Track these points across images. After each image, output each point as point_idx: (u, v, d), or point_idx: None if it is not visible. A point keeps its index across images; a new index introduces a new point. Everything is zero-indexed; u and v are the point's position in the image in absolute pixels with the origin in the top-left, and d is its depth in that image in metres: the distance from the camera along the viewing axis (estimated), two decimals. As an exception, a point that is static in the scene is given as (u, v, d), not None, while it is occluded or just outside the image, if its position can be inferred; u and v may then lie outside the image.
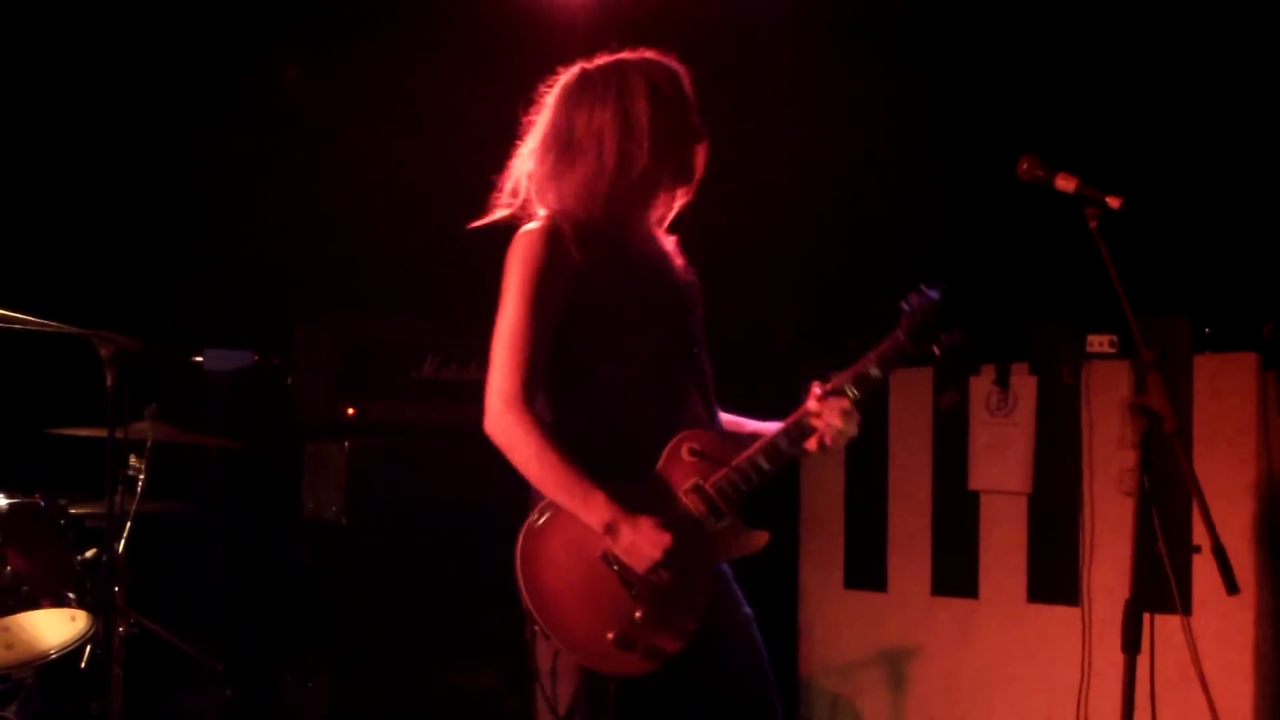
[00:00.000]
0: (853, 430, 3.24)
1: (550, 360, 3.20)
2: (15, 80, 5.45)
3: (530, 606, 3.07)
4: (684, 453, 3.22)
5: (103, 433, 4.25)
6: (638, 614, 3.10)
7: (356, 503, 5.54)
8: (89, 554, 4.58)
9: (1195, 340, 5.25)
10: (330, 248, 6.00)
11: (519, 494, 3.27)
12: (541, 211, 3.29)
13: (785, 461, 3.23)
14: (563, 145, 3.29)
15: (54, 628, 4.54)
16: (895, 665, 6.07)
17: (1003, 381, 5.77)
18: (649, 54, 3.36)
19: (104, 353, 4.20)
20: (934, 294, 3.26)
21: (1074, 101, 5.57)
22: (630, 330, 3.25)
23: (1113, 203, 3.16)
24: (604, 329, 3.23)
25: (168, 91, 5.70)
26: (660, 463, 3.21)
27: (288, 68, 6.06)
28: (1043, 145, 3.30)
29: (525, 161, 3.37)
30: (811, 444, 3.23)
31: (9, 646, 4.50)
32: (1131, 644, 3.19)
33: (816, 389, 3.23)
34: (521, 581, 3.08)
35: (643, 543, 3.06)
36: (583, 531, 3.10)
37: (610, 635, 3.08)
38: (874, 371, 3.22)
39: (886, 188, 5.91)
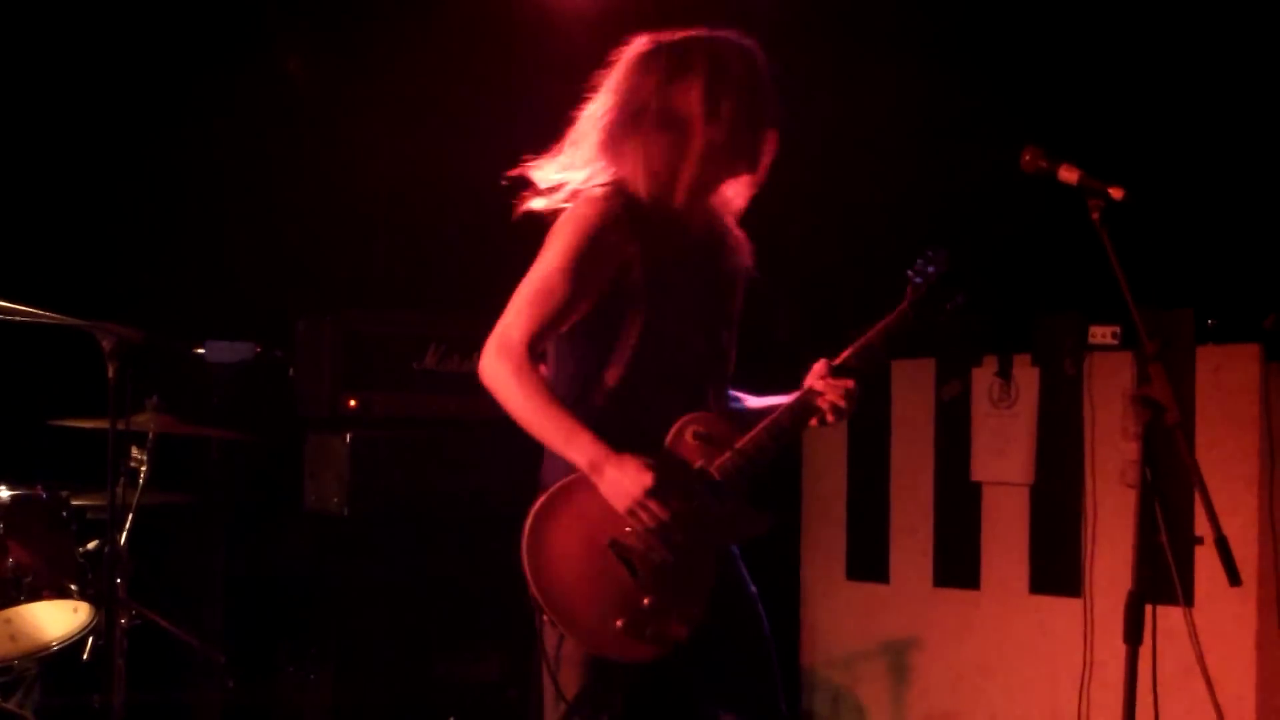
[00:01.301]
0: (853, 408, 3.24)
1: (586, 338, 3.20)
2: (16, 70, 5.44)
3: (537, 595, 3.07)
4: (688, 436, 3.22)
5: (104, 424, 4.25)
6: (645, 601, 3.10)
7: (358, 495, 5.53)
8: (91, 546, 4.58)
9: (1198, 332, 5.24)
10: (332, 239, 6.00)
11: (521, 485, 3.27)
12: (601, 181, 3.25)
13: (789, 440, 3.24)
14: (634, 117, 3.24)
15: (56, 620, 4.54)
16: (897, 656, 6.07)
17: (1005, 373, 5.76)
18: (729, 34, 3.32)
19: (106, 344, 4.20)
20: (939, 260, 3.31)
21: (1077, 92, 5.56)
22: (667, 320, 3.23)
23: (1115, 194, 3.16)
24: (642, 315, 3.20)
25: (170, 83, 5.69)
26: (664, 446, 3.20)
27: (290, 60, 6.05)
28: (1046, 136, 3.30)
29: (588, 130, 3.29)
30: (813, 421, 3.25)
31: (11, 638, 4.50)
32: (1133, 635, 3.19)
33: (820, 367, 3.24)
34: (528, 570, 3.07)
35: (626, 480, 3.05)
36: (590, 518, 3.10)
37: (619, 623, 3.08)
38: (878, 347, 3.26)
39: (888, 178, 5.90)
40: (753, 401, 3.44)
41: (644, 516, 3.06)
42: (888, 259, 3.37)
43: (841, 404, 3.21)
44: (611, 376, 3.21)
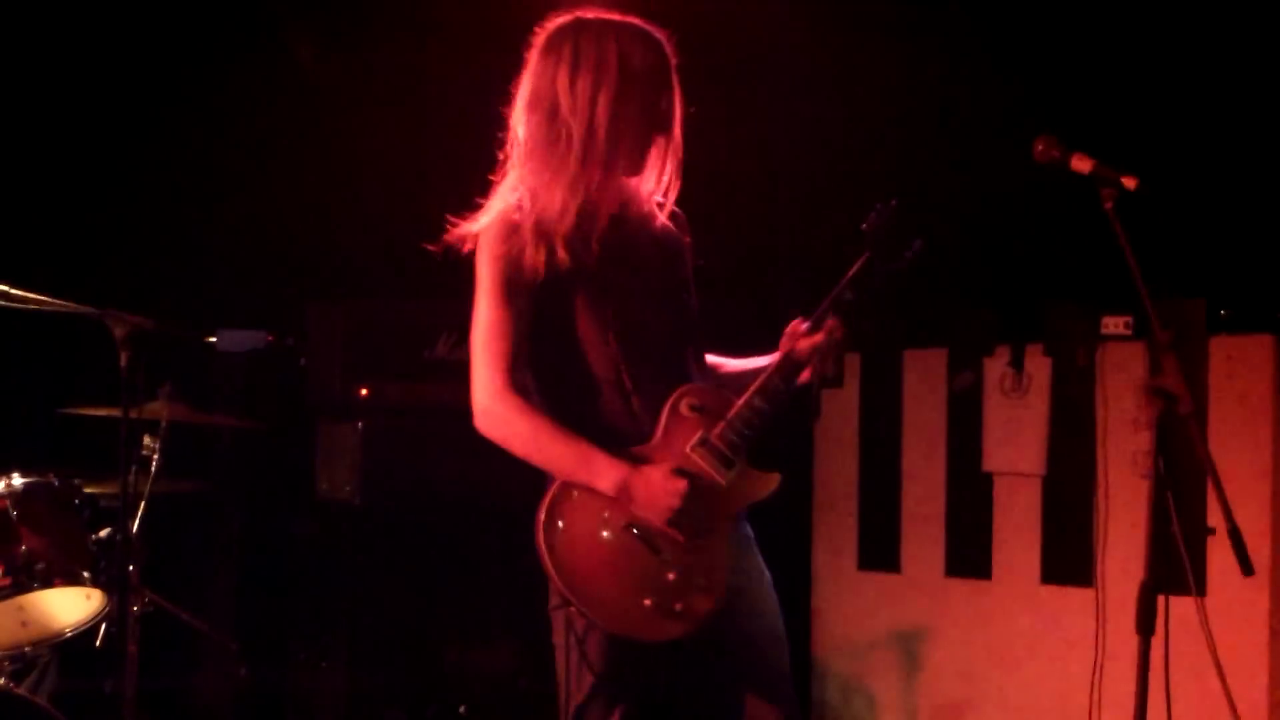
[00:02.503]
0: (844, 344, 3.23)
1: (540, 355, 3.21)
2: (31, 59, 5.45)
3: (561, 585, 3.07)
4: (683, 409, 3.21)
5: (117, 412, 4.26)
6: (670, 576, 3.10)
7: (370, 483, 5.55)
8: (103, 533, 4.59)
9: (1211, 322, 5.23)
10: (344, 228, 6.00)
11: (533, 474, 3.27)
12: (500, 203, 3.26)
13: (785, 399, 3.23)
14: (534, 107, 3.24)
15: (69, 606, 4.55)
16: (908, 647, 6.07)
17: (1017, 363, 5.76)
18: (633, 21, 3.26)
19: (118, 332, 4.21)
20: (888, 209, 3.26)
21: (1091, 81, 5.55)
22: (615, 303, 3.23)
23: (1129, 183, 3.15)
24: (584, 309, 3.22)
25: (182, 70, 5.70)
26: (661, 424, 3.20)
27: (302, 46, 6.05)
28: (1058, 125, 3.29)
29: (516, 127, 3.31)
30: (805, 376, 3.24)
31: (24, 625, 4.52)
32: (1146, 626, 3.19)
33: (799, 325, 3.25)
34: (549, 561, 3.08)
35: (658, 493, 3.07)
36: (602, 505, 3.10)
37: (648, 602, 3.08)
38: (848, 295, 3.23)
39: (901, 167, 5.89)
40: (732, 365, 3.45)
41: (686, 524, 3.09)
42: (905, 205, 3.35)
43: (836, 338, 3.20)
44: (587, 371, 3.22)
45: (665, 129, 3.26)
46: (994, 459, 5.84)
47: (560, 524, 3.11)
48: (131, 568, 4.50)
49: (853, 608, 6.29)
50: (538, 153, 3.24)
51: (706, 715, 3.32)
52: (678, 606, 3.10)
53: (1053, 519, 5.67)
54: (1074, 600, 5.51)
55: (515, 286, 3.17)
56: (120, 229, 5.67)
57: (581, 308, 3.22)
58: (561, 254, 3.17)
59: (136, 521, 4.64)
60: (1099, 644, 5.30)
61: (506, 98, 3.35)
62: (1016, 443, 5.75)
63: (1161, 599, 3.20)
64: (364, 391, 5.63)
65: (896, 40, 5.67)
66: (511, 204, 3.23)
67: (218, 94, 5.75)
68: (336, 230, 5.98)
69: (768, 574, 3.36)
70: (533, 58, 3.28)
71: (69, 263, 5.25)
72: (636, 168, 3.30)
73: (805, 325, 3.25)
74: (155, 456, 4.75)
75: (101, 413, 4.74)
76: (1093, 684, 5.28)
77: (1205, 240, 5.22)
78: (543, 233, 3.18)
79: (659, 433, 3.20)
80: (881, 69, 5.66)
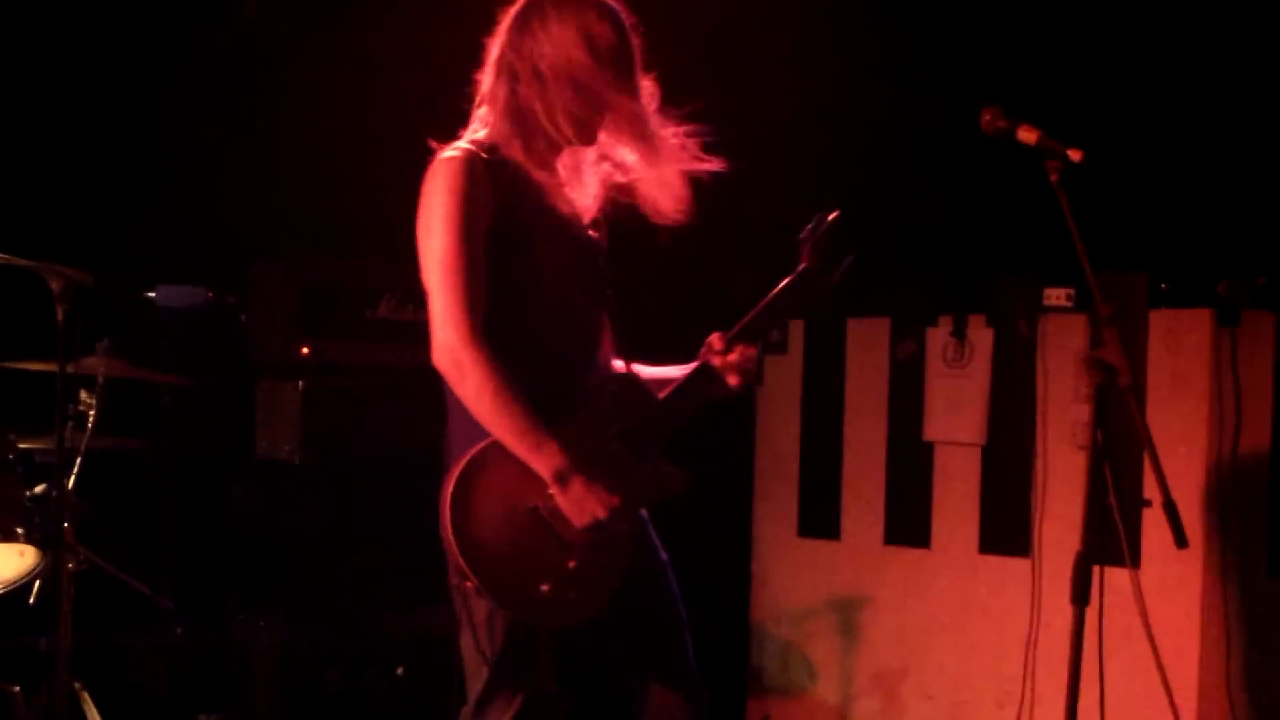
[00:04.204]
0: (754, 375, 3.30)
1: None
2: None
3: (462, 563, 3.06)
4: (607, 397, 3.22)
5: (53, 367, 4.21)
6: (570, 564, 3.10)
7: (310, 442, 5.50)
8: (38, 489, 4.55)
9: (1152, 296, 5.27)
10: (287, 186, 5.94)
11: (475, 436, 3.25)
12: (463, 141, 3.25)
13: (701, 404, 3.28)
14: (499, 69, 3.26)
15: (2, 562, 4.51)
16: (847, 613, 6.10)
17: (959, 333, 5.78)
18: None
19: (55, 286, 4.16)
20: (827, 222, 3.32)
21: (1037, 52, 5.56)
22: (545, 268, 3.22)
23: (1074, 156, 3.17)
24: (520, 266, 3.20)
25: (124, 23, 5.62)
26: (585, 407, 3.20)
27: (247, 2, 5.98)
28: (1004, 96, 3.30)
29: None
30: (719, 389, 3.28)
31: (-44, 581, 4.48)
32: (1080, 596, 3.23)
33: (715, 340, 3.28)
34: (452, 536, 3.07)
35: (593, 500, 3.06)
36: (513, 483, 3.08)
37: (545, 588, 3.08)
38: (761, 323, 3.30)
39: (844, 137, 5.89)
40: (647, 372, 3.45)
41: (602, 534, 3.08)
42: (843, 217, 3.36)
43: (746, 369, 3.26)
44: (522, 336, 3.20)
45: (620, 105, 3.25)
46: (935, 428, 5.86)
47: (467, 500, 3.09)
48: (66, 524, 4.47)
49: (792, 574, 6.31)
50: (500, 114, 3.24)
51: (611, 702, 3.34)
52: (573, 594, 3.10)
53: (991, 489, 5.70)
54: (1011, 570, 5.55)
55: (475, 220, 3.13)
56: (59, 181, 5.59)
57: (514, 270, 3.19)
58: (514, 200, 3.17)
59: (72, 478, 4.60)
60: (1034, 613, 5.35)
61: (471, 61, 3.35)
62: (957, 412, 5.77)
63: (1097, 570, 3.24)
64: (305, 350, 5.58)
65: (842, 9, 5.66)
66: (477, 146, 3.21)
67: (162, 45, 5.67)
68: (280, 188, 5.92)
69: (663, 555, 3.38)
70: (503, 26, 3.29)
71: (5, 215, 5.18)
72: (588, 139, 3.29)
73: (723, 339, 3.28)
74: (92, 412, 4.71)
75: (37, 367, 4.68)
76: (1027, 652, 5.34)
77: (1148, 214, 5.25)
78: (500, 184, 3.17)
79: (582, 416, 3.19)
80: (826, 37, 5.65)
